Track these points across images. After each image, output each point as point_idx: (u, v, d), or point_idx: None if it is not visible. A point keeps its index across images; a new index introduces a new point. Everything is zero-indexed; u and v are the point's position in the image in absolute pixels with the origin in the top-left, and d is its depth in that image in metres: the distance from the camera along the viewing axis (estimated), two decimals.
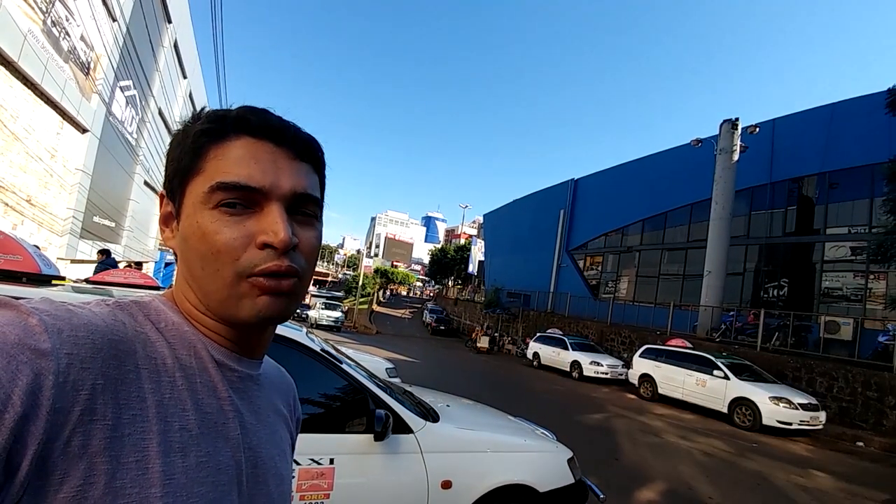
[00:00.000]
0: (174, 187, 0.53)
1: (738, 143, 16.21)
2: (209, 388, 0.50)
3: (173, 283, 0.58)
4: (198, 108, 0.57)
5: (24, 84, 7.04)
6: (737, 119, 16.37)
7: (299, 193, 0.52)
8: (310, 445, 2.30)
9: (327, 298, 30.38)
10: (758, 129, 16.43)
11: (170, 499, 0.42)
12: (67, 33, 8.13)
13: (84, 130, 9.82)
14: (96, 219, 11.68)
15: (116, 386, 0.42)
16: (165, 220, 0.55)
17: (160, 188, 0.57)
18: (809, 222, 16.20)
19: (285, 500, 0.59)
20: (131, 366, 0.44)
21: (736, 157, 16.12)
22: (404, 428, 2.57)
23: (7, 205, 6.98)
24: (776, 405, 9.35)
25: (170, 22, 15.13)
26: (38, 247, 3.38)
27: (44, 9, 7.05)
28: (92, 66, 9.59)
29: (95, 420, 0.40)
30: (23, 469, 0.36)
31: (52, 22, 7.44)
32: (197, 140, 0.51)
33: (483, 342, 23.06)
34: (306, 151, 0.55)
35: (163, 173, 0.57)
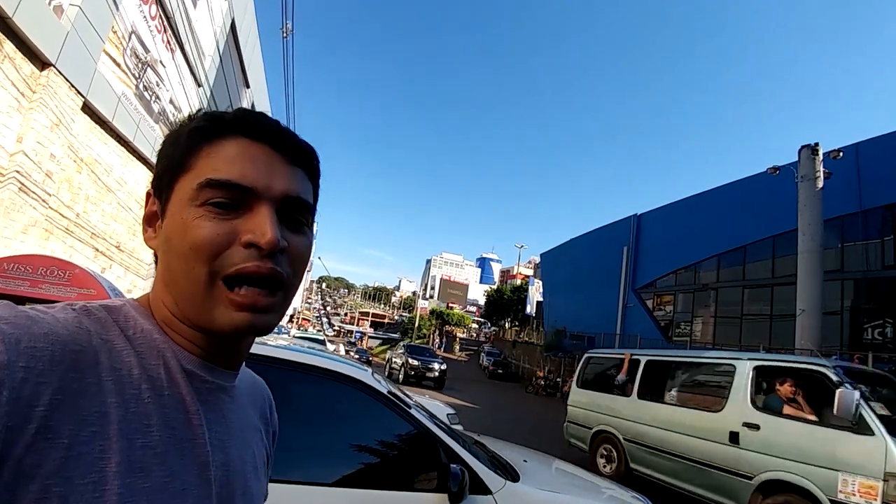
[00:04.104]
0: (162, 185, 0.51)
1: (821, 168, 14.99)
2: (177, 402, 0.46)
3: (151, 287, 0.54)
4: None
5: (118, 142, 7.76)
6: (816, 144, 15.18)
7: (292, 197, 0.50)
8: (375, 503, 2.04)
9: (383, 340, 30.51)
10: (841, 154, 15.14)
11: None
12: (158, 97, 8.97)
13: None
14: None
15: (76, 400, 0.38)
16: (149, 220, 0.53)
17: None
18: None
19: None
20: (93, 378, 0.40)
21: (820, 184, 14.83)
22: (481, 488, 2.22)
23: (97, 250, 7.57)
24: None
25: (248, 87, 16.56)
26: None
27: (136, 74, 7.83)
28: None
29: (51, 438, 0.36)
30: None
31: (144, 86, 8.25)
32: (190, 137, 0.49)
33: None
34: (302, 157, 0.53)
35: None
